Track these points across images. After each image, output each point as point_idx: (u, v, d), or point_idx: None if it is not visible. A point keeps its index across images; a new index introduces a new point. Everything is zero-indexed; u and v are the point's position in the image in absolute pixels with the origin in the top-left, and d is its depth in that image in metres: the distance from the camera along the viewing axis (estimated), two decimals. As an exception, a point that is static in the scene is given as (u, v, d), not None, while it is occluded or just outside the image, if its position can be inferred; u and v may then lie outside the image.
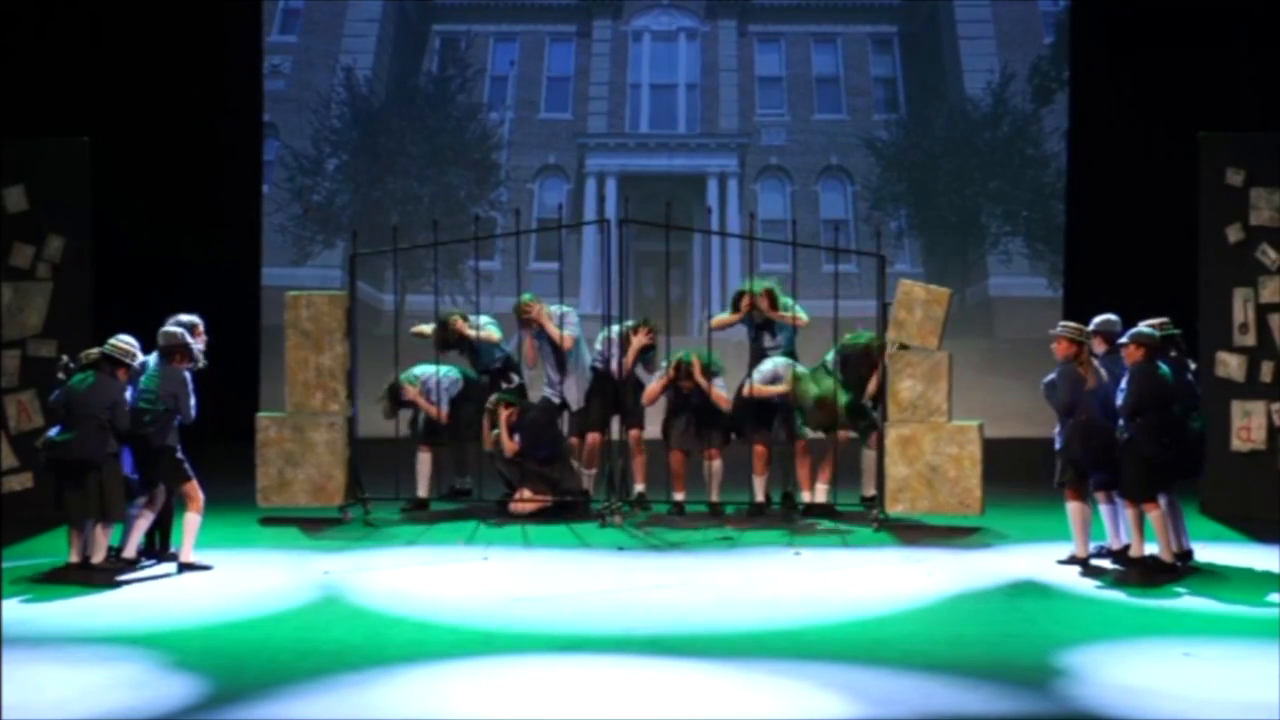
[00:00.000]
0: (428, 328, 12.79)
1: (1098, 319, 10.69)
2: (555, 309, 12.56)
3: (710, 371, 12.23)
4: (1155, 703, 7.39)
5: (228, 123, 16.79)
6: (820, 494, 12.28)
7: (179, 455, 10.34)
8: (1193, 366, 10.64)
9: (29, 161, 12.56)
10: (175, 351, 10.38)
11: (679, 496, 12.37)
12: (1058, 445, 10.51)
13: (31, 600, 9.53)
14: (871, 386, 12.08)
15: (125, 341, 10.22)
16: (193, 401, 10.35)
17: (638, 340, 12.42)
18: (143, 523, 10.38)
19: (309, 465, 12.17)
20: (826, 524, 11.89)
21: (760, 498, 12.30)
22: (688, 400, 12.27)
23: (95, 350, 10.25)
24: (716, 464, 12.43)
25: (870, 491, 12.23)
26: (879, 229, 13.43)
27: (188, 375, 10.40)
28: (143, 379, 10.33)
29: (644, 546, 11.23)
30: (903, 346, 11.74)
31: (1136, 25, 16.31)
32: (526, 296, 12.54)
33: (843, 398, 11.85)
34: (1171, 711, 7.27)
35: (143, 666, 8.01)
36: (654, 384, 12.44)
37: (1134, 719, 7.21)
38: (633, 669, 7.98)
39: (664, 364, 12.37)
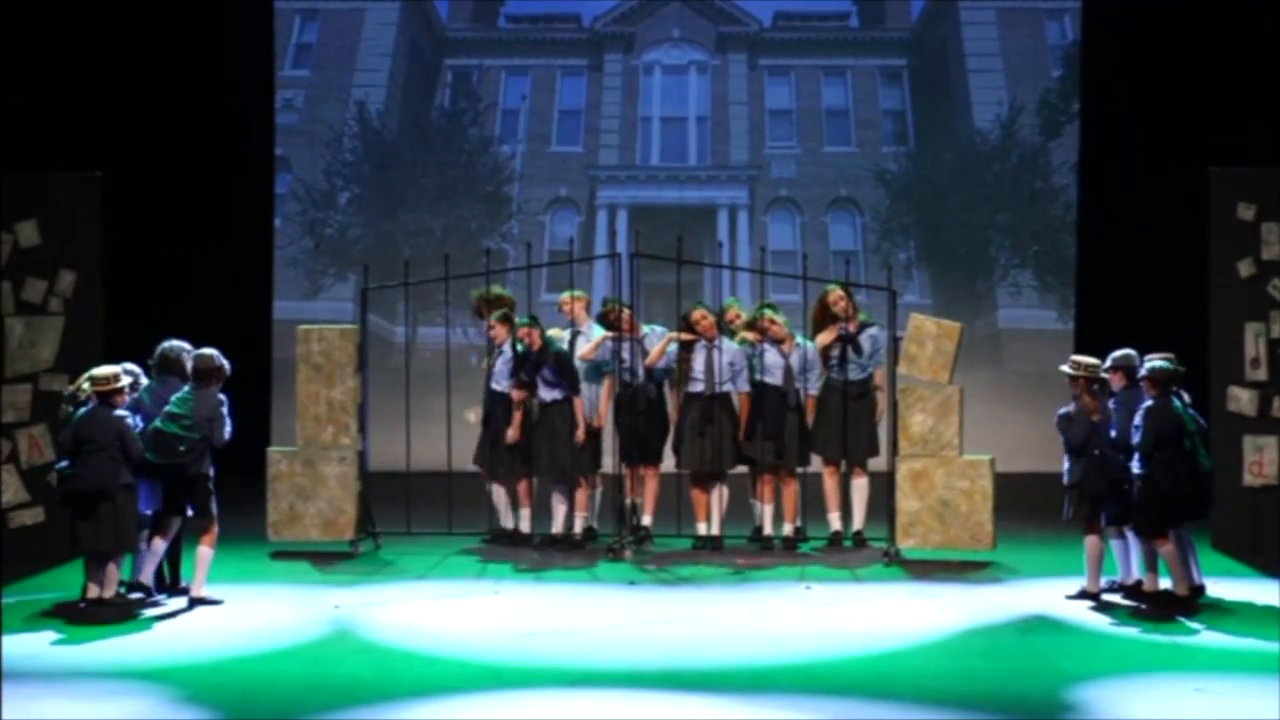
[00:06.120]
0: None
1: (1116, 354, 10.59)
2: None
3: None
4: (1167, 740, 7.39)
5: (240, 157, 16.83)
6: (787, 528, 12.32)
7: (210, 486, 10.34)
8: (1186, 399, 10.56)
9: (42, 196, 12.59)
10: (211, 374, 10.36)
11: (702, 529, 12.27)
12: (1065, 480, 10.49)
13: (42, 635, 9.53)
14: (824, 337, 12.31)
15: (105, 372, 10.13)
16: (228, 425, 10.36)
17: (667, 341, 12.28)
18: (156, 551, 10.36)
19: (320, 499, 12.18)
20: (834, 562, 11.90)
21: (768, 530, 12.26)
22: (703, 412, 12.15)
23: (85, 383, 10.18)
24: (723, 491, 12.31)
25: (857, 527, 12.30)
26: (889, 261, 13.43)
27: (222, 397, 10.39)
28: (174, 403, 10.29)
29: (654, 581, 11.22)
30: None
31: (1146, 59, 16.30)
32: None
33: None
34: (1184, 749, 7.27)
35: (153, 701, 8.02)
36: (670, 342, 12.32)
37: (1146, 756, 7.21)
38: (643, 704, 7.97)
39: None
